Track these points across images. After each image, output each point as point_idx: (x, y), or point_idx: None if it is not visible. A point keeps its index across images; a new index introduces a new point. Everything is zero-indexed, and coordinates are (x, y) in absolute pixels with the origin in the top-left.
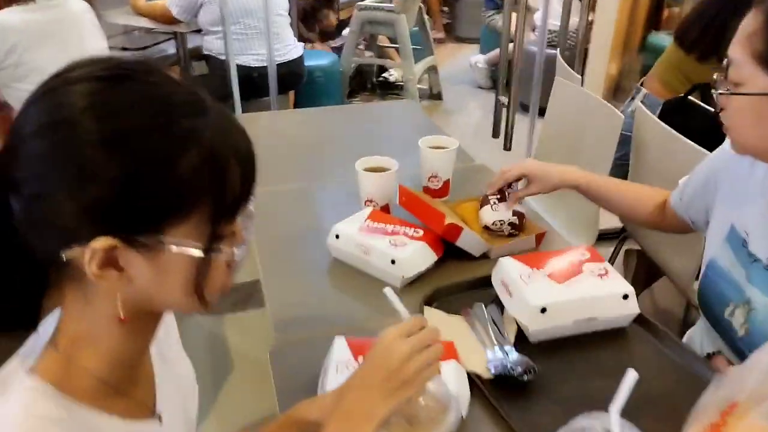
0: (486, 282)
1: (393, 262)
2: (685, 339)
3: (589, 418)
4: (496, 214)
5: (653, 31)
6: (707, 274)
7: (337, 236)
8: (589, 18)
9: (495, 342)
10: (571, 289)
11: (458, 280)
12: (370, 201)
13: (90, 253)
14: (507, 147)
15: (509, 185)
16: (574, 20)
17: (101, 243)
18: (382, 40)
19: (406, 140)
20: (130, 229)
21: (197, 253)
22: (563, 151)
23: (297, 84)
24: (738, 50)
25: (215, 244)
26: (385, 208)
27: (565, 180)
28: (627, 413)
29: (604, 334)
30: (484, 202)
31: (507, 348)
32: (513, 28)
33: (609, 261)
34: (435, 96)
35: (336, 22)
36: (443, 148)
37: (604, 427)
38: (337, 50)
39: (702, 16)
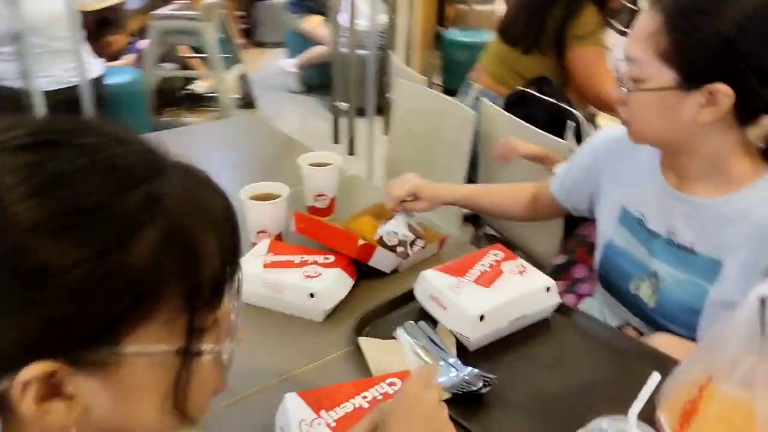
0: (408, 297)
1: (312, 295)
2: None
3: (608, 419)
4: (396, 228)
5: (441, 27)
6: (606, 255)
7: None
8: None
9: (440, 358)
10: (500, 291)
11: (380, 302)
12: (263, 232)
13: (20, 386)
14: (351, 151)
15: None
16: (379, 20)
17: (35, 370)
18: (183, 51)
19: (263, 157)
20: (74, 346)
21: (170, 360)
22: (417, 152)
23: (101, 105)
24: (640, 49)
25: (194, 343)
26: (279, 238)
27: (450, 194)
28: (572, 401)
29: (530, 328)
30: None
31: (452, 361)
32: (325, 31)
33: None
34: (248, 105)
35: (126, 42)
36: (325, 164)
37: (621, 429)
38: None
39: (522, 11)
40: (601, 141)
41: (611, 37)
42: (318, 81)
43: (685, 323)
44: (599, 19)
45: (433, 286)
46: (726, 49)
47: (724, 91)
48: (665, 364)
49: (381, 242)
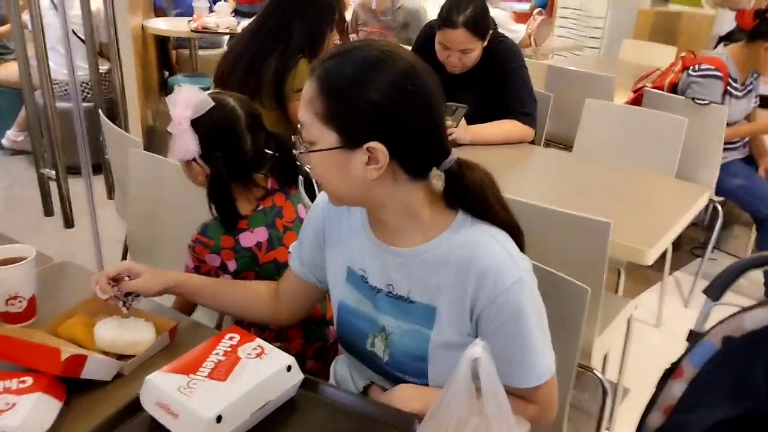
0: (136, 407)
1: None
2: (331, 380)
3: None
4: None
5: (168, 73)
6: (341, 317)
7: None
8: (106, 68)
9: None
10: (238, 382)
11: (101, 421)
12: None
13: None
14: (69, 224)
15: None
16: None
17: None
18: None
19: None
20: None
21: None
22: (160, 227)
23: None
24: (305, 114)
25: None
26: None
27: (178, 278)
28: None
29: (276, 412)
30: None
31: None
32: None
33: None
34: None
35: None
36: (15, 259)
37: None
38: None
39: (238, 63)
40: (318, 207)
41: None
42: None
43: (416, 372)
44: None
45: (160, 391)
46: (377, 112)
47: (379, 149)
48: (408, 420)
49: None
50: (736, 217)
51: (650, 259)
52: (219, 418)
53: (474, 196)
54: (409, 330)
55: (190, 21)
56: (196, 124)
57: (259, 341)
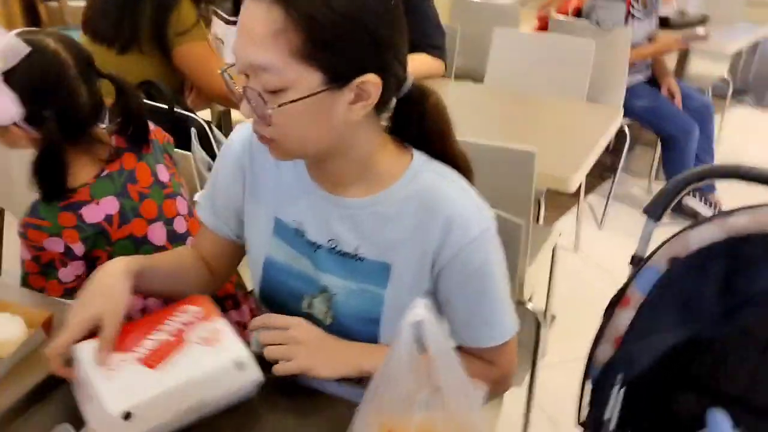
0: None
1: None
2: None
3: None
4: None
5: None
6: (267, 275)
7: None
8: None
9: None
10: (167, 374)
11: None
12: None
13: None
14: None
15: None
16: None
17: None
18: None
19: None
20: None
21: None
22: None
23: None
24: (268, 54)
25: None
26: None
27: (125, 298)
28: None
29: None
30: None
31: None
32: None
33: None
34: None
35: None
36: None
37: None
38: None
39: (109, 6)
40: (235, 149)
41: (219, 28)
42: None
43: (365, 336)
44: (198, 11)
45: (85, 363)
46: (375, 36)
47: (373, 82)
48: None
49: None
50: (636, 138)
51: (574, 185)
52: (127, 415)
53: (433, 129)
54: (357, 290)
55: None
56: (11, 78)
57: (220, 323)
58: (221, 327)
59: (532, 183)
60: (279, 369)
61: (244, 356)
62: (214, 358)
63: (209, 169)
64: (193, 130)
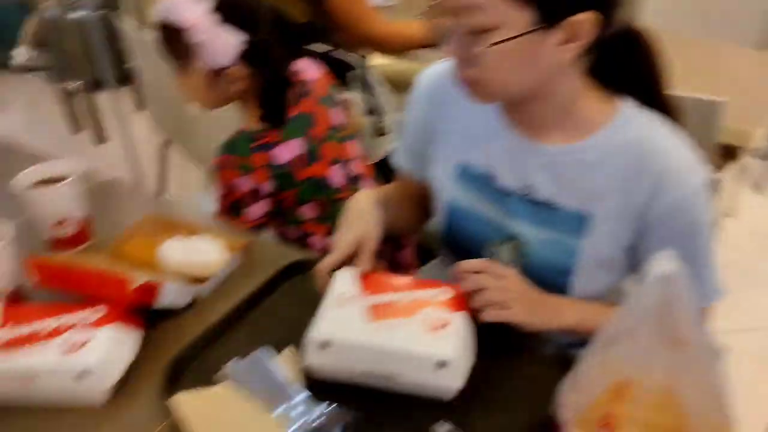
0: (226, 326)
1: (82, 375)
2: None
3: None
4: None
5: None
6: (451, 220)
7: None
8: None
9: (282, 401)
10: (379, 332)
11: (194, 338)
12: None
13: None
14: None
15: None
16: None
17: None
18: None
19: None
20: None
21: None
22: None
23: None
24: None
25: None
26: (15, 297)
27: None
28: None
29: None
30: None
31: (300, 399)
32: None
33: None
34: None
35: None
36: (57, 179)
37: None
38: None
39: None
40: (426, 90)
41: None
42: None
43: (554, 286)
44: None
45: (337, 283)
46: None
47: (587, 20)
48: None
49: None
50: None
51: (756, 141)
52: (326, 344)
53: (644, 74)
54: (549, 239)
55: None
56: (225, 16)
57: (454, 316)
58: (452, 319)
59: (715, 136)
60: (492, 315)
61: (450, 358)
62: (426, 343)
63: (368, 112)
64: (350, 74)
